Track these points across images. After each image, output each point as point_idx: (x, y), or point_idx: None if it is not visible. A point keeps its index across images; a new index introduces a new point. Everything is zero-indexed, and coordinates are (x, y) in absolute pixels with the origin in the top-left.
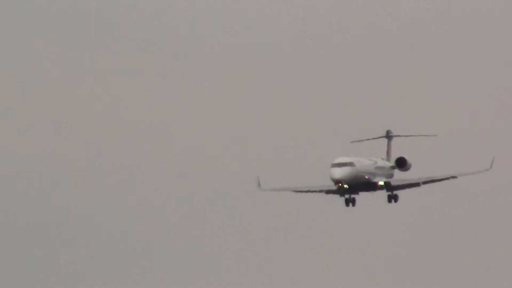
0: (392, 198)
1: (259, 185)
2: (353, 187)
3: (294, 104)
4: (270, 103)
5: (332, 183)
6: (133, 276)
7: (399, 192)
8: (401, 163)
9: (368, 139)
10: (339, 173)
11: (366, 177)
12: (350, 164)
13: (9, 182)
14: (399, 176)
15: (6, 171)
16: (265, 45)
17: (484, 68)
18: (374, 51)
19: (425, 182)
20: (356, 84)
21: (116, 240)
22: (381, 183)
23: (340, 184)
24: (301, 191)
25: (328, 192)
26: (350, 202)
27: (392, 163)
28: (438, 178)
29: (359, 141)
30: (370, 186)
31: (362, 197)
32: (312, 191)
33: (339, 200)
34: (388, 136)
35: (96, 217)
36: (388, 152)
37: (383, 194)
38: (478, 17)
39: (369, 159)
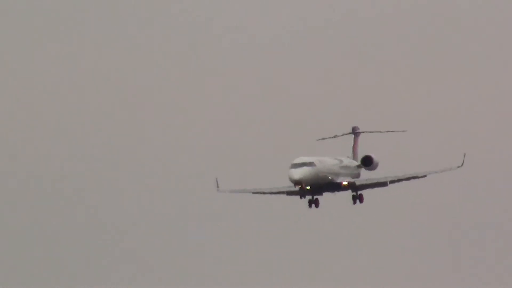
0: (357, 198)
1: (218, 186)
2: (314, 188)
3: (255, 101)
4: (229, 100)
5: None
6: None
7: (365, 192)
8: (367, 162)
9: (333, 137)
10: (298, 173)
11: (329, 177)
12: (310, 164)
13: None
14: (366, 175)
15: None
16: (225, 40)
17: (455, 61)
18: (339, 44)
19: (392, 181)
20: (321, 79)
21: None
22: (344, 183)
23: (301, 186)
24: (262, 193)
25: (289, 193)
26: (313, 203)
27: (358, 162)
28: (405, 177)
29: (323, 138)
30: (334, 186)
31: (325, 198)
32: (273, 193)
33: (302, 201)
34: (355, 132)
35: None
36: (354, 150)
37: (348, 194)
38: (450, 10)
39: (334, 158)
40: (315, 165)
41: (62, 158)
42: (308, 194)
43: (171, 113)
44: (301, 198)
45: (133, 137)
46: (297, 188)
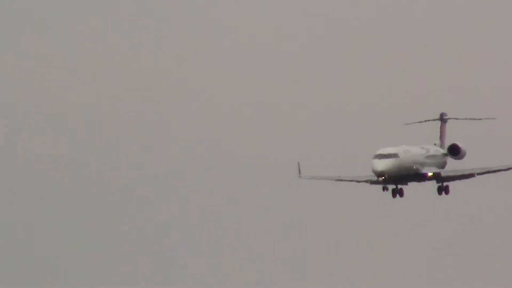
0: (443, 190)
1: (300, 172)
2: (398, 179)
3: (340, 86)
4: (314, 85)
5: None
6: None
7: (450, 183)
8: (454, 151)
9: (419, 122)
10: (382, 165)
11: (414, 167)
12: (394, 155)
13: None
14: (452, 164)
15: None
16: (307, 28)
17: None
18: (426, 27)
19: (479, 173)
20: (408, 62)
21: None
22: (430, 174)
23: (384, 177)
24: (345, 180)
25: (373, 182)
26: (397, 193)
27: (444, 150)
28: (494, 169)
29: (410, 123)
30: (419, 177)
31: (410, 188)
32: (356, 181)
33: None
34: (442, 119)
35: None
36: (441, 137)
37: (434, 184)
38: None
39: (421, 147)
40: (398, 157)
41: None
42: (392, 184)
43: (257, 98)
44: (383, 190)
45: (216, 121)
46: (380, 179)
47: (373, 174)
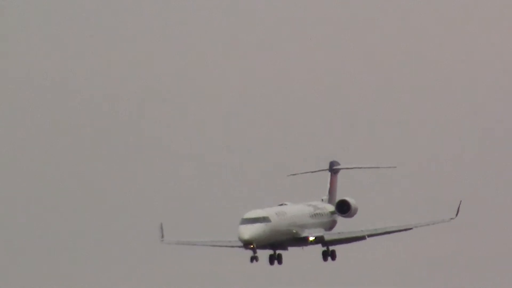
0: (328, 255)
1: (163, 235)
2: (273, 246)
3: (212, 132)
4: (182, 133)
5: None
6: None
7: (338, 247)
8: (344, 208)
9: (305, 173)
10: (248, 232)
11: (294, 231)
12: (264, 219)
13: None
14: (342, 223)
15: None
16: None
17: (456, 91)
18: (320, 62)
19: (371, 235)
20: (294, 101)
21: None
22: (311, 238)
23: (252, 247)
24: (214, 246)
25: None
26: (275, 259)
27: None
28: (387, 230)
29: (295, 174)
30: (298, 241)
31: (292, 253)
32: (226, 246)
33: (262, 257)
34: (332, 169)
35: None
36: (331, 191)
37: (320, 248)
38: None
39: (307, 205)
40: (270, 221)
41: None
42: (269, 249)
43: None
44: (252, 261)
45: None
46: (248, 249)
47: None
